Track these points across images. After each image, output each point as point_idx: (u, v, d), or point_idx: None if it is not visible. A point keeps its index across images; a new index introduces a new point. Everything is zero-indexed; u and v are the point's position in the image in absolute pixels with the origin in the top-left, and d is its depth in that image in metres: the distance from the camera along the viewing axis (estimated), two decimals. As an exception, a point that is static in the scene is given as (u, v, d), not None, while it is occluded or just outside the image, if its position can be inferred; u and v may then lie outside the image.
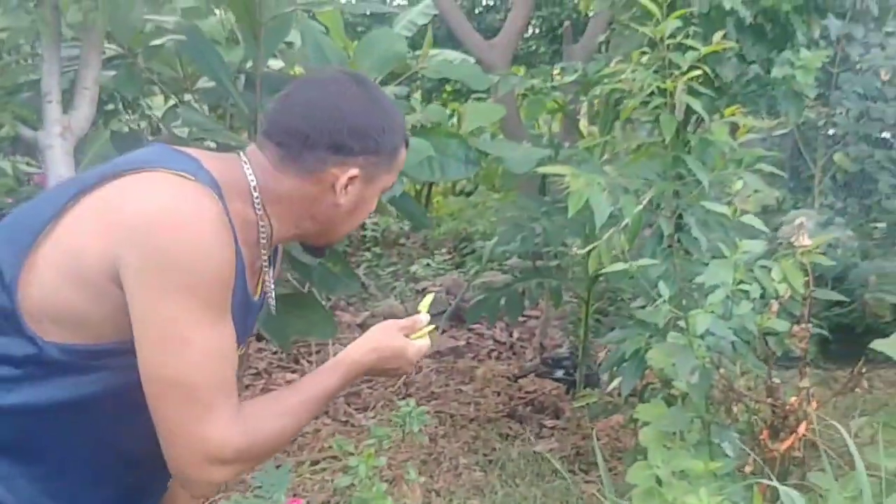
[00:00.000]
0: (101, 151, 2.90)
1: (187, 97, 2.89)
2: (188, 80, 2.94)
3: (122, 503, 1.28)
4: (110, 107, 3.58)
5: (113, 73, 2.80)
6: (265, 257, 1.28)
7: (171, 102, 3.34)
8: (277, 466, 2.40)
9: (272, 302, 1.36)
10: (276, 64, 3.44)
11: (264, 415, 1.19)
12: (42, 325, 1.10)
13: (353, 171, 1.24)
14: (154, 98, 3.99)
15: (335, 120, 1.22)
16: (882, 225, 4.56)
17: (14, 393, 1.13)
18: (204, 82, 3.02)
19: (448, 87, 8.32)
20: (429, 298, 1.44)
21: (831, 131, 4.50)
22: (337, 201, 1.25)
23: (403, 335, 1.34)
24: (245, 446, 1.15)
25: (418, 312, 1.40)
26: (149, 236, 1.07)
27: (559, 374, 3.98)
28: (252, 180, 1.22)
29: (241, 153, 1.26)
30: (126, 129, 3.41)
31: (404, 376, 1.29)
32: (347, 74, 1.31)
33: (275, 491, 2.25)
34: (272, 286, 1.35)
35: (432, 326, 1.39)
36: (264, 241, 1.26)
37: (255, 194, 1.22)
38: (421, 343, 1.36)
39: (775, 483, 1.88)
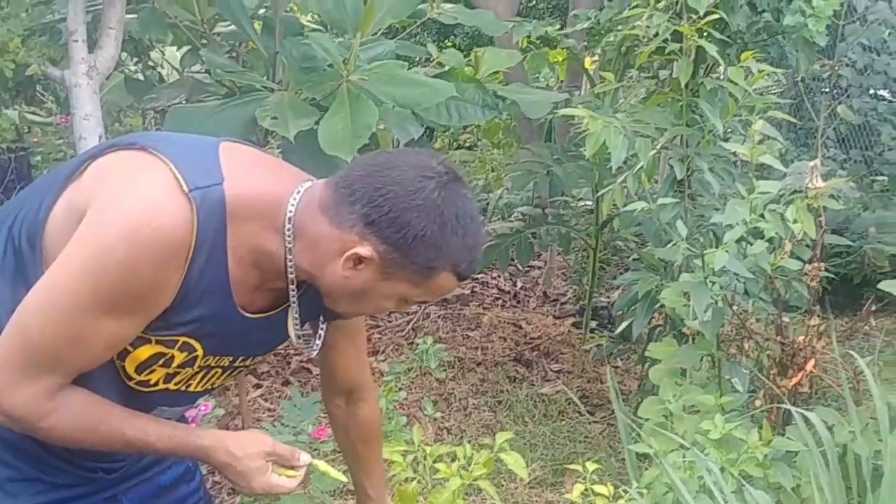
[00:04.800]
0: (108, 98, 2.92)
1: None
2: (207, 25, 2.95)
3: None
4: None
5: (133, 16, 2.81)
6: (291, 289, 1.24)
7: (186, 49, 3.35)
8: (304, 396, 2.48)
9: (296, 334, 1.32)
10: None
11: (75, 417, 1.20)
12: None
13: (367, 251, 1.16)
14: (166, 49, 4.00)
15: (387, 197, 1.15)
16: (884, 177, 4.61)
17: None
18: (221, 27, 3.03)
19: (448, 42, 8.27)
20: (325, 467, 1.38)
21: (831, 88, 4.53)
22: (343, 272, 1.19)
23: (270, 461, 1.30)
24: (34, 423, 1.18)
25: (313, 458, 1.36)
26: (99, 213, 1.13)
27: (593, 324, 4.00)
28: (291, 211, 1.20)
29: (307, 182, 1.25)
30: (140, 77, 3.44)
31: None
32: (448, 174, 1.20)
33: (301, 421, 2.32)
34: (298, 323, 1.31)
35: (299, 473, 1.33)
36: (277, 271, 1.23)
37: (288, 225, 1.20)
38: (279, 481, 1.30)
39: (789, 407, 1.95)
